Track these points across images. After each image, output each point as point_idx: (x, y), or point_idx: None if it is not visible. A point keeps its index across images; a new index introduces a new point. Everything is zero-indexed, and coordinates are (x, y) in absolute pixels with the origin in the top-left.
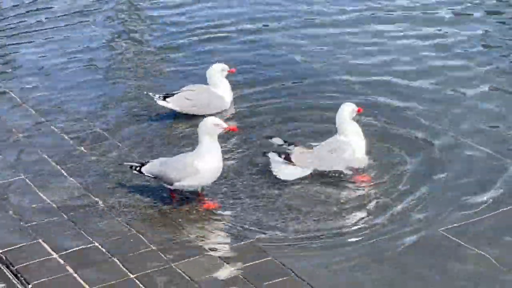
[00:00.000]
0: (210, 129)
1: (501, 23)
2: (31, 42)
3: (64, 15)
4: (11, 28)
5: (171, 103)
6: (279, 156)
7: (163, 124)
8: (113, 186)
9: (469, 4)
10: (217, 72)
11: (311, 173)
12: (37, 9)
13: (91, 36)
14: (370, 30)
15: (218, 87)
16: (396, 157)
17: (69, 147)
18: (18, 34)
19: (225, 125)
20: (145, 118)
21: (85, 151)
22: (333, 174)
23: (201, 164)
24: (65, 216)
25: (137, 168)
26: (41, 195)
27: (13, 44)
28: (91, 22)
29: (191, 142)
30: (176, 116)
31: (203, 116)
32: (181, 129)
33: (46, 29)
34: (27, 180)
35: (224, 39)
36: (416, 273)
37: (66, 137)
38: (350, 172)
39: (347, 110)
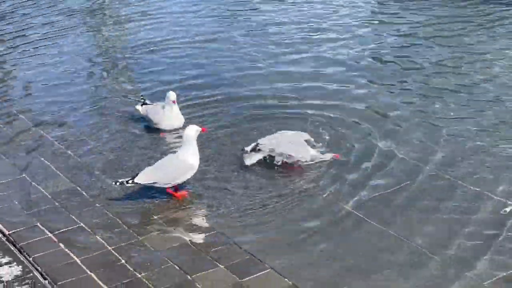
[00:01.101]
0: (195, 134)
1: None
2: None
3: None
4: None
5: (140, 109)
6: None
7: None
8: (95, 181)
9: None
10: (167, 99)
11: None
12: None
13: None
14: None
15: (167, 110)
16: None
17: (60, 151)
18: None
19: (200, 128)
20: (122, 127)
21: (72, 154)
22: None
23: (194, 161)
24: (57, 204)
25: (130, 181)
26: (39, 188)
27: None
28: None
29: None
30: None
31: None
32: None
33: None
34: (27, 178)
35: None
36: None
37: (56, 143)
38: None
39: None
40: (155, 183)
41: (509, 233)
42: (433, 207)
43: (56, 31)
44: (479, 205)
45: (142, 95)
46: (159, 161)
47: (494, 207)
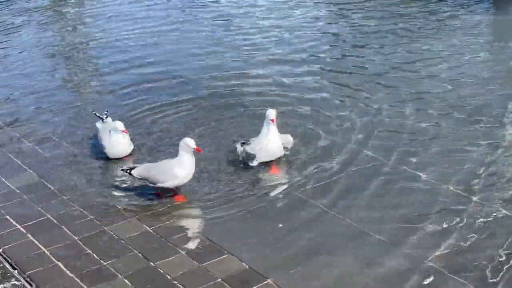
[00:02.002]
0: (185, 147)
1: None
2: None
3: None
4: None
5: (99, 125)
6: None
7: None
8: (61, 174)
9: None
10: (116, 127)
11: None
12: None
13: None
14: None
15: (112, 135)
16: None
17: (27, 147)
18: None
19: (194, 146)
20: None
21: (40, 150)
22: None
23: (179, 171)
24: (25, 197)
25: (128, 171)
26: (7, 183)
27: None
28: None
29: None
30: None
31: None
32: None
33: None
34: None
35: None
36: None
37: (24, 140)
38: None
39: (267, 115)
40: (146, 180)
41: (441, 211)
42: (371, 190)
43: (9, 29)
44: (414, 187)
45: (93, 110)
46: (159, 161)
47: (428, 189)
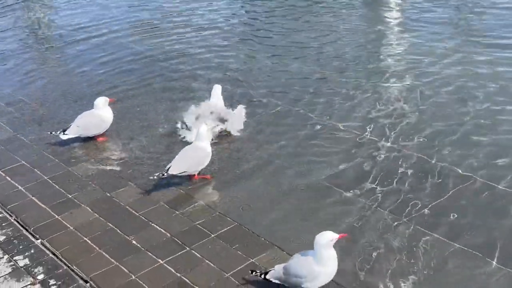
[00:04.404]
0: (208, 133)
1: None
2: None
3: None
4: None
5: (69, 134)
6: None
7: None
8: (30, 128)
9: None
10: (101, 102)
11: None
12: None
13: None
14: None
15: (101, 111)
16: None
17: (3, 109)
18: None
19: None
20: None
21: (13, 111)
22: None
23: (210, 150)
24: (3, 148)
25: (165, 174)
26: None
27: None
28: None
29: None
30: None
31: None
32: None
33: None
34: None
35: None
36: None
37: (1, 103)
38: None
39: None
40: (185, 172)
41: (344, 148)
42: (290, 135)
43: None
44: (310, 127)
45: (50, 132)
46: (182, 152)
47: (313, 128)
